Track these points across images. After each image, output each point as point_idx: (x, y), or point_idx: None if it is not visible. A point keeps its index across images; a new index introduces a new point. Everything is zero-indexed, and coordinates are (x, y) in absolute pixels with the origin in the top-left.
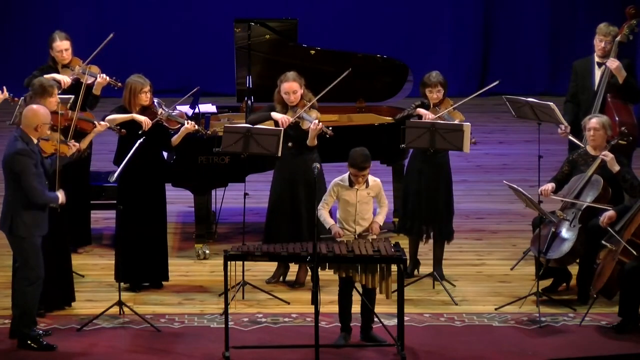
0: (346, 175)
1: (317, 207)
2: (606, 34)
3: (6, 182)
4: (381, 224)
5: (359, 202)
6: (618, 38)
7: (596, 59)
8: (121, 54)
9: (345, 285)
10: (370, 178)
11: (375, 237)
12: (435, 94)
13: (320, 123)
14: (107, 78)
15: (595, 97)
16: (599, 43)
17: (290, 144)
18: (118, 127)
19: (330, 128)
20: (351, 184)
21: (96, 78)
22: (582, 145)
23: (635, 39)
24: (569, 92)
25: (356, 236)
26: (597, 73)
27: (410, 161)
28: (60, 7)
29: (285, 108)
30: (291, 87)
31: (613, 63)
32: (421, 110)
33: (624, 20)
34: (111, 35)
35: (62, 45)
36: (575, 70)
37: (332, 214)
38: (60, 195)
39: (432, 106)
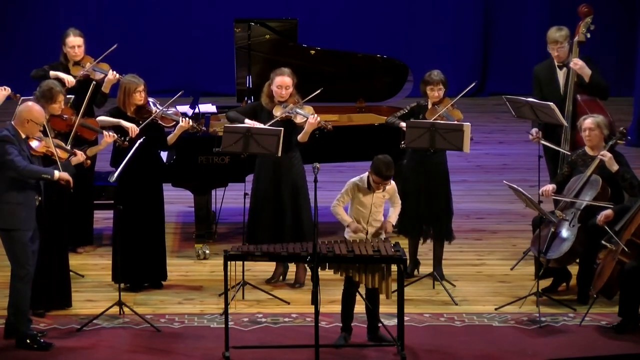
0: (365, 176)
1: (313, 206)
2: (554, 41)
3: None
4: (394, 223)
5: (374, 205)
6: (577, 38)
7: (556, 62)
8: (121, 53)
9: (349, 285)
10: None
11: (386, 235)
12: (436, 92)
13: (318, 117)
14: (117, 75)
15: (565, 100)
16: (551, 52)
17: None
18: (122, 139)
19: (330, 122)
20: (369, 187)
21: (106, 75)
22: (558, 148)
23: (634, 37)
24: (534, 97)
25: (368, 236)
26: (561, 76)
27: (407, 161)
28: (60, 8)
29: (272, 102)
30: (284, 82)
31: (576, 64)
32: (402, 124)
33: (579, 19)
34: (114, 46)
35: (75, 42)
36: (537, 75)
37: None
38: (57, 173)
39: (431, 105)
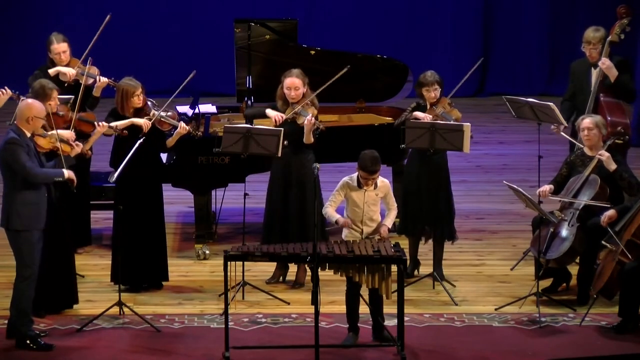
0: (355, 175)
1: (315, 206)
2: (588, 42)
3: (3, 177)
4: (390, 226)
5: (367, 203)
6: (609, 38)
7: (590, 61)
8: (121, 54)
9: (352, 285)
10: (379, 179)
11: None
12: (432, 93)
13: (314, 119)
14: (106, 80)
15: (590, 97)
16: (584, 50)
17: (286, 142)
18: (113, 126)
19: (322, 123)
20: (359, 184)
21: (95, 79)
22: (578, 144)
23: (635, 38)
24: (568, 92)
25: (363, 237)
26: (594, 74)
27: (409, 162)
28: (60, 7)
29: (286, 104)
30: (293, 83)
31: (604, 63)
32: (418, 114)
33: (615, 19)
34: (108, 17)
35: (59, 48)
36: (572, 71)
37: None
38: (67, 172)
39: (429, 106)
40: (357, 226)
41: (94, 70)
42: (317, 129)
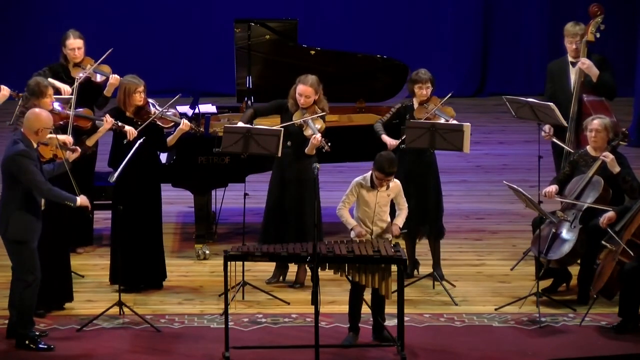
0: (368, 175)
1: (315, 206)
2: (574, 34)
3: (3, 185)
4: (401, 226)
5: (378, 204)
6: (586, 38)
7: (570, 59)
8: (121, 54)
9: (356, 285)
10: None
11: (394, 238)
12: (424, 90)
13: (322, 138)
14: (118, 77)
15: (572, 98)
16: (569, 45)
17: (289, 143)
18: (117, 122)
19: (329, 144)
20: (373, 185)
21: (107, 77)
22: (566, 147)
23: (635, 37)
24: (546, 94)
25: (373, 237)
26: (573, 73)
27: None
28: (61, 6)
29: (296, 105)
30: (305, 90)
31: (583, 63)
32: (385, 138)
33: (589, 19)
34: (111, 49)
35: (75, 44)
36: (550, 71)
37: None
38: (80, 199)
39: (419, 103)
40: (367, 226)
41: (107, 68)
42: (321, 148)
